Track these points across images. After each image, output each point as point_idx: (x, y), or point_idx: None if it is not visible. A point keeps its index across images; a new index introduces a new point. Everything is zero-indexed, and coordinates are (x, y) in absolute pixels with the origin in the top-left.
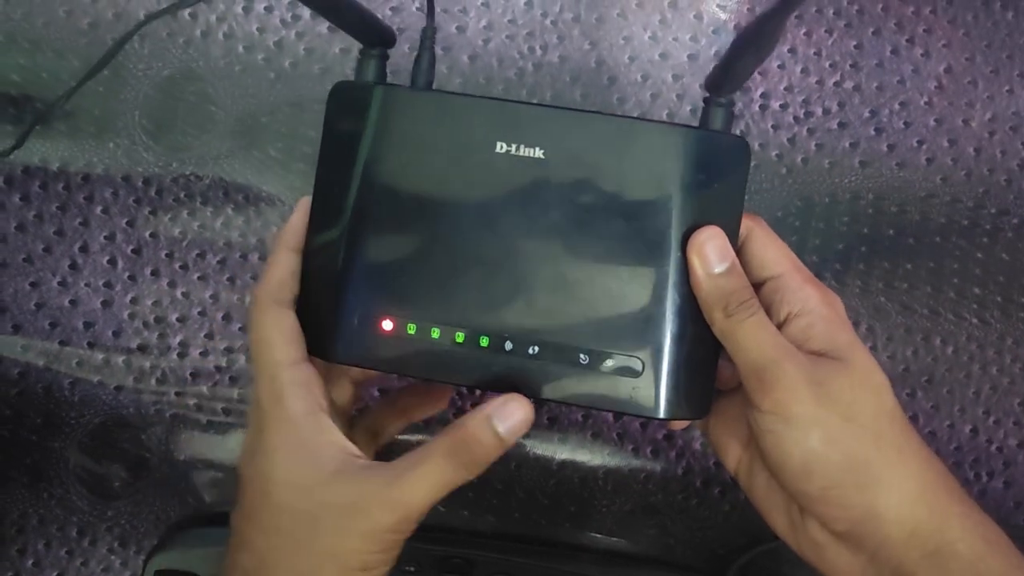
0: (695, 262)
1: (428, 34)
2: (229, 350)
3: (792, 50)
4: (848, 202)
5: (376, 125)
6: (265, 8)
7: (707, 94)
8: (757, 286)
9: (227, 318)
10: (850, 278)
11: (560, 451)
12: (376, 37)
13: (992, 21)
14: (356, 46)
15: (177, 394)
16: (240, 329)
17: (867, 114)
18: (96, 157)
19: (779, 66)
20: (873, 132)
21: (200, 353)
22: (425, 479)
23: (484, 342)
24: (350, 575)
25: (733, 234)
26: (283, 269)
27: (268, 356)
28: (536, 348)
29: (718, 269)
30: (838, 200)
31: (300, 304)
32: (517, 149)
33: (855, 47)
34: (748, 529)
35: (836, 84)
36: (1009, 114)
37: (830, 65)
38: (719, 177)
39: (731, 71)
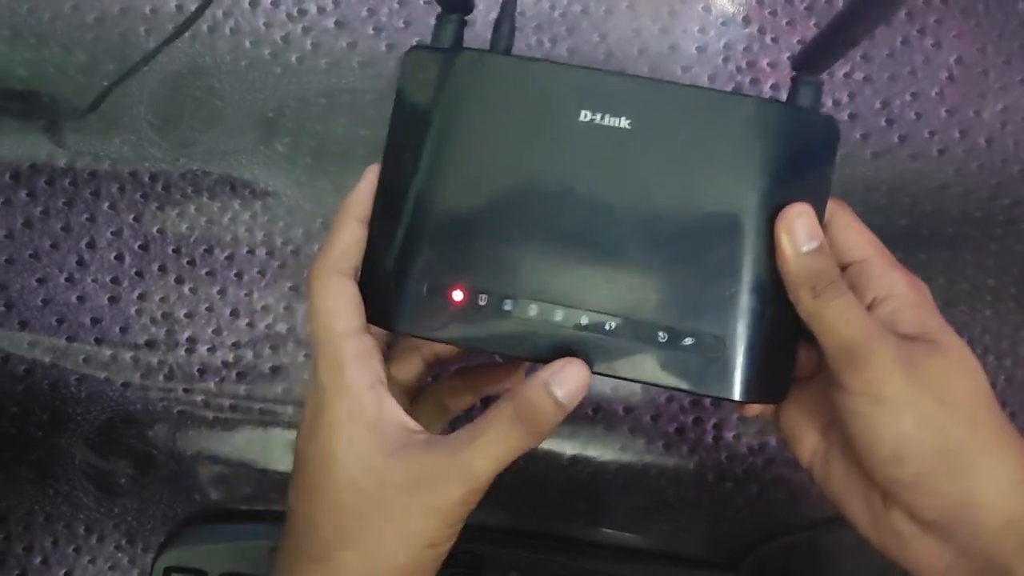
0: (784, 239)
1: (510, 0)
2: (236, 345)
3: (801, 41)
4: (860, 193)
5: (455, 90)
6: (272, 3)
7: (794, 72)
8: (840, 270)
9: (234, 314)
10: None
11: (571, 446)
12: (455, 2)
13: (1003, 11)
14: (363, 40)
15: (184, 390)
16: (247, 325)
17: (878, 105)
18: (103, 152)
19: (789, 57)
20: (884, 123)
21: (207, 349)
22: (489, 448)
23: (559, 316)
24: (419, 552)
25: (820, 214)
26: (347, 238)
27: (329, 326)
28: (613, 324)
29: (807, 247)
30: (850, 192)
31: (363, 271)
32: (602, 118)
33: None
34: (761, 524)
35: (846, 75)
36: (1022, 104)
37: None
38: (808, 156)
39: (824, 48)
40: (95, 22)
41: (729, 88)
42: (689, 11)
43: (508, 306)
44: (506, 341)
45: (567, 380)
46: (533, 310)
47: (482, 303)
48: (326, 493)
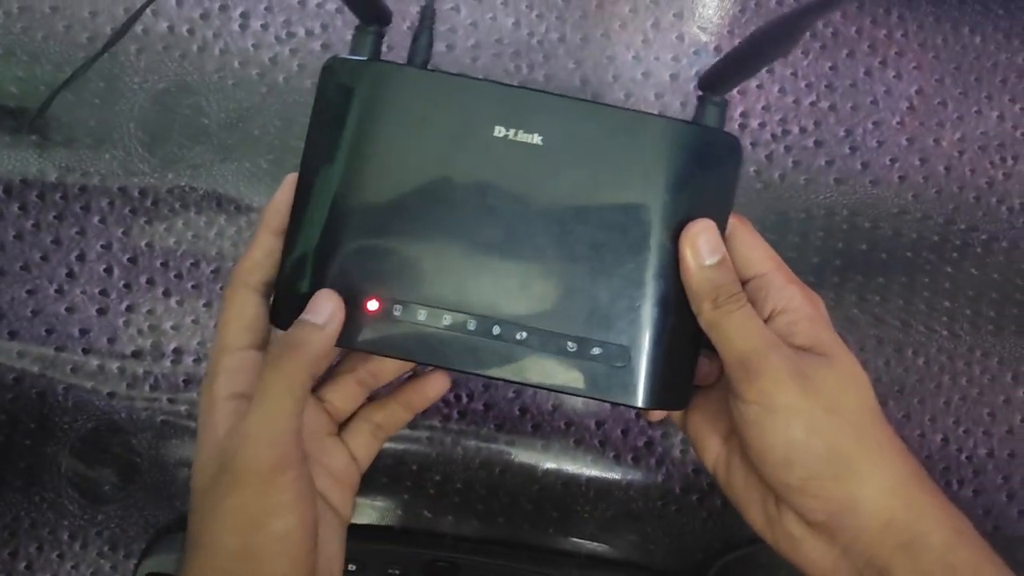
0: (687, 253)
1: (428, 13)
2: None
3: (770, 70)
4: (823, 217)
5: (369, 102)
6: (261, 25)
7: (700, 92)
8: (741, 284)
9: None
10: (824, 291)
11: (543, 458)
12: (373, 14)
13: (961, 45)
14: None
15: (169, 400)
16: None
17: (842, 133)
18: (93, 168)
19: (757, 86)
20: (848, 150)
21: (193, 360)
22: (266, 407)
23: (471, 326)
24: (241, 535)
25: (722, 228)
26: (259, 251)
27: (219, 336)
28: (524, 334)
29: (709, 261)
30: (813, 215)
31: (281, 282)
32: (516, 134)
33: (830, 68)
34: (725, 534)
35: (812, 104)
36: (977, 134)
37: (806, 85)
38: (711, 173)
39: (727, 70)
40: (87, 41)
41: None
42: (662, 40)
43: (422, 316)
44: (421, 350)
45: (317, 305)
46: (447, 320)
47: (396, 313)
48: (190, 499)
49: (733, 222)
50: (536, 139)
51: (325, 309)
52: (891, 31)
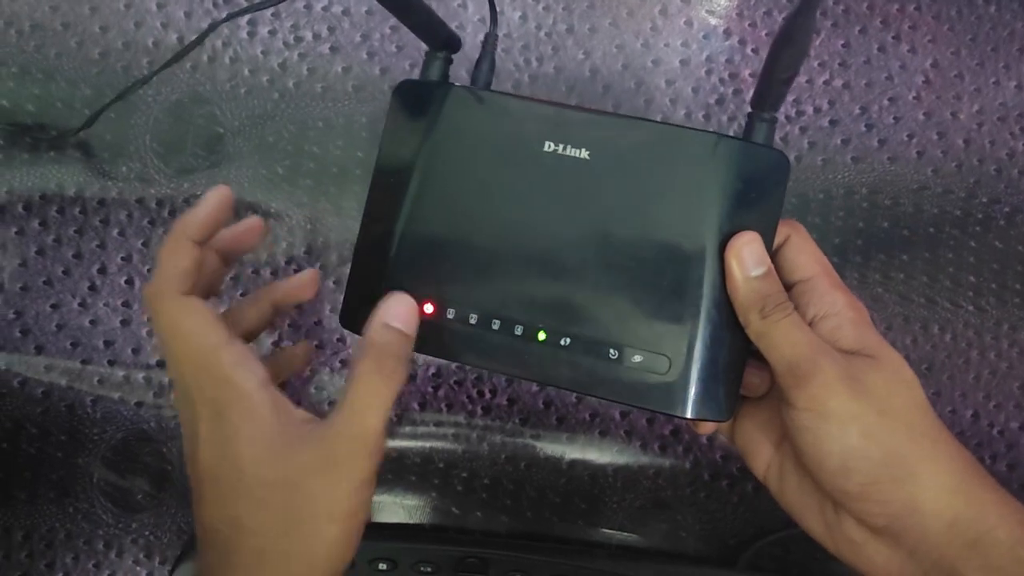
0: (733, 265)
1: (491, 39)
2: None
3: None
4: (842, 197)
5: (440, 120)
6: (269, 32)
7: (751, 110)
8: (787, 288)
9: None
10: (848, 271)
11: (569, 450)
12: (442, 40)
13: (975, 15)
14: (357, 64)
15: None
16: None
17: (857, 111)
18: (110, 181)
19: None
20: (864, 128)
21: None
22: (368, 402)
23: (519, 331)
24: (346, 522)
25: (769, 241)
26: (184, 259)
27: (197, 344)
28: (568, 340)
29: (755, 273)
30: (832, 196)
31: (349, 283)
32: (564, 149)
33: (843, 46)
34: (757, 520)
35: (826, 83)
36: (996, 105)
37: (819, 64)
38: (758, 188)
39: (768, 87)
40: (99, 57)
41: (712, 99)
42: (671, 26)
43: (473, 320)
44: (471, 352)
45: (396, 312)
46: (495, 324)
47: (450, 316)
48: (242, 497)
49: (786, 228)
50: (584, 154)
51: (406, 313)
52: (904, 5)
